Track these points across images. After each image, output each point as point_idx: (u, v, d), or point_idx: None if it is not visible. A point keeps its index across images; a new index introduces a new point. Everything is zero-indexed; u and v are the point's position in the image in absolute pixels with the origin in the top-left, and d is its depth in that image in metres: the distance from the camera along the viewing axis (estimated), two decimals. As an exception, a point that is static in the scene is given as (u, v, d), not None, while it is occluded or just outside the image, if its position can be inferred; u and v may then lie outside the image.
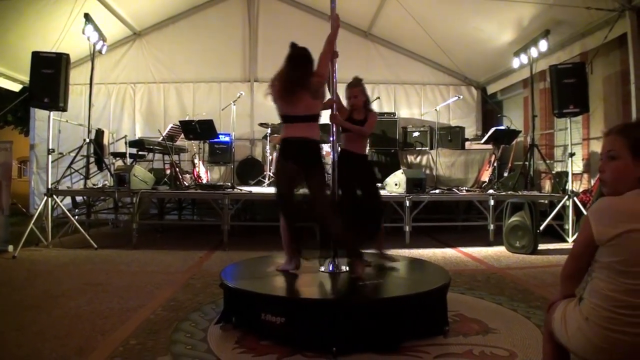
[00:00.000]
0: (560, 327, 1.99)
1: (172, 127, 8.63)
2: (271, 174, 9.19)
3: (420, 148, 9.94)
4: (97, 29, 7.96)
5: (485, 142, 8.69)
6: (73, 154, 7.70)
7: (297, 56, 3.87)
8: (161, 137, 8.34)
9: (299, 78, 3.73)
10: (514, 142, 9.10)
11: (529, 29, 8.23)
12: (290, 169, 3.79)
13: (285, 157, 3.82)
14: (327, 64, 3.93)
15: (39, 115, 9.94)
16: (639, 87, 6.66)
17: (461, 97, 10.27)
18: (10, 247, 6.34)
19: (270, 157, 9.41)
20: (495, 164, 8.64)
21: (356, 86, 4.44)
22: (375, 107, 10.22)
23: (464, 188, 8.68)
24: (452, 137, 9.92)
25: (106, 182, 8.68)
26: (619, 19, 6.80)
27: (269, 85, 3.90)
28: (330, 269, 3.81)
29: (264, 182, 9.22)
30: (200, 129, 7.91)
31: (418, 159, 9.88)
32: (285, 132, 3.88)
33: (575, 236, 7.12)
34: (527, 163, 8.19)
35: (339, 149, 4.44)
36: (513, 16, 8.24)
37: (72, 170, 7.68)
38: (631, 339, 1.78)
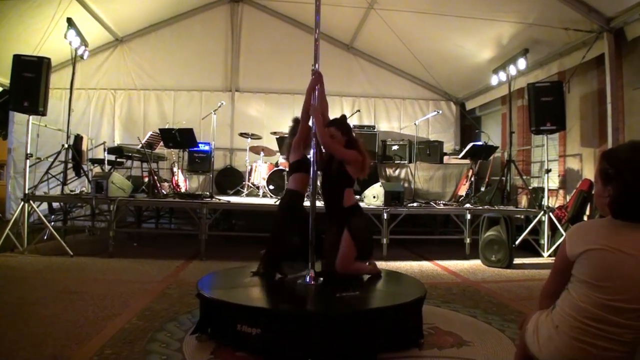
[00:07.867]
0: (533, 338, 2.06)
1: (151, 134, 8.60)
2: (250, 184, 9.19)
3: (399, 161, 10.04)
4: (79, 33, 7.89)
5: (463, 157, 8.81)
6: (51, 159, 7.59)
7: None
8: (140, 145, 8.27)
9: None
10: (491, 158, 9.26)
11: (508, 47, 8.40)
12: None
13: None
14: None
15: (17, 118, 9.78)
16: (615, 107, 6.86)
17: (440, 112, 10.40)
18: (-15, 253, 6.25)
19: (249, 167, 9.41)
20: (472, 179, 8.75)
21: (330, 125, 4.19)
22: (355, 119, 10.32)
23: (442, 202, 8.77)
24: (431, 151, 10.03)
25: (84, 189, 8.55)
26: (597, 40, 7.01)
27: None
28: (307, 280, 3.82)
29: (243, 192, 9.21)
30: (180, 138, 7.87)
31: (397, 172, 9.97)
32: None
33: (550, 251, 7.27)
34: (504, 178, 8.32)
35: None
36: (493, 34, 8.41)
37: (50, 176, 7.56)
38: (599, 352, 1.85)
